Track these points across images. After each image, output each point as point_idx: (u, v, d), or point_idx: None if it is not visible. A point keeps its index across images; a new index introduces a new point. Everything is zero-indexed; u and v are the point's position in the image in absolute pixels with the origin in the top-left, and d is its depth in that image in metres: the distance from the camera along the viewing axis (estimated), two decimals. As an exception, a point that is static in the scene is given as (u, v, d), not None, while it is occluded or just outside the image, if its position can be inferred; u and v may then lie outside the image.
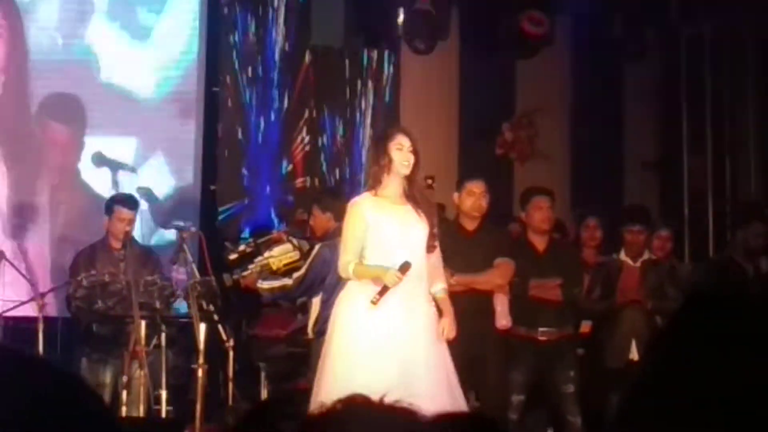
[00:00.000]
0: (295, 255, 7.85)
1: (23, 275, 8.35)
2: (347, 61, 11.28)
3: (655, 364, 1.81)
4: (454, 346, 6.20)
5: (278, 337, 8.67)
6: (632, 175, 12.22)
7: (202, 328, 7.32)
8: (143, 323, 7.43)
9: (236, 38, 10.81)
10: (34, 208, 9.73)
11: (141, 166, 10.05)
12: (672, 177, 11.95)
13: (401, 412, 1.80)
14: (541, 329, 7.58)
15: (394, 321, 6.00)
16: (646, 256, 8.31)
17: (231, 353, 7.97)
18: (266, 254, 7.95)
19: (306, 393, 6.25)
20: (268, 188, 10.90)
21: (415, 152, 6.18)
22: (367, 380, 5.74)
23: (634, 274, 8.22)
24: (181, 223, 8.21)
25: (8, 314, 8.06)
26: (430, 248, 6.22)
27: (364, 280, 6.09)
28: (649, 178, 12.19)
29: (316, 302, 7.47)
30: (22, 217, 9.66)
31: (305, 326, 7.69)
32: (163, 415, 7.46)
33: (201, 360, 7.28)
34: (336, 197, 7.96)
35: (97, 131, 10.00)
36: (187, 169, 10.33)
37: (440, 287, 6.29)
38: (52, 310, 8.15)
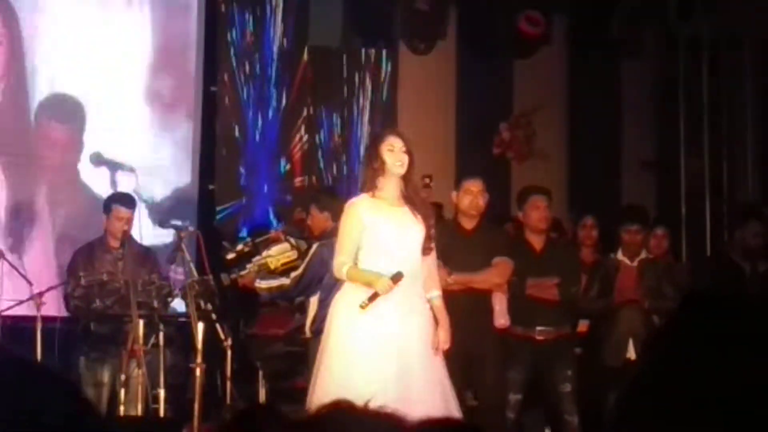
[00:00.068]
0: (293, 254, 7.85)
1: (22, 274, 8.35)
2: (345, 59, 11.29)
3: (652, 363, 1.82)
4: (452, 345, 6.21)
5: (276, 336, 8.68)
6: (630, 174, 12.23)
7: (200, 327, 7.32)
8: (141, 322, 7.43)
9: (234, 36, 10.82)
10: (34, 208, 9.73)
11: (139, 166, 10.05)
12: (669, 177, 11.95)
13: (386, 418, 1.80)
14: (538, 328, 7.59)
15: (390, 320, 6.00)
16: (643, 255, 8.32)
17: (229, 352, 7.98)
18: (264, 254, 7.95)
19: (303, 392, 6.26)
20: (266, 187, 10.90)
21: (408, 152, 6.17)
22: (364, 380, 5.75)
23: (631, 274, 8.23)
24: (179, 223, 8.21)
25: (7, 313, 8.05)
26: (425, 251, 6.21)
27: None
28: (646, 178, 12.20)
29: (313, 301, 7.47)
30: (21, 216, 9.66)
31: (303, 325, 7.68)
32: (161, 414, 7.46)
33: (199, 359, 7.28)
34: (333, 197, 7.96)
35: (96, 131, 10.00)
36: (185, 168, 10.34)
37: (436, 294, 6.27)
38: (50, 309, 8.14)
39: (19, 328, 8.06)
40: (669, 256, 8.78)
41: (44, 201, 9.78)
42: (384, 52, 11.43)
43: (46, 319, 7.83)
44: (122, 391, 7.50)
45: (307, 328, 7.49)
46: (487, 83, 11.71)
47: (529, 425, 8.09)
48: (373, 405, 1.80)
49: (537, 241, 7.74)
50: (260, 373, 8.71)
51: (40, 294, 7.88)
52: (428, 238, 6.21)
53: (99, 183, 9.85)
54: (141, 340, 7.40)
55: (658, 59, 12.09)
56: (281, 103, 10.99)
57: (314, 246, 7.55)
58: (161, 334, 7.56)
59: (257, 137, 10.88)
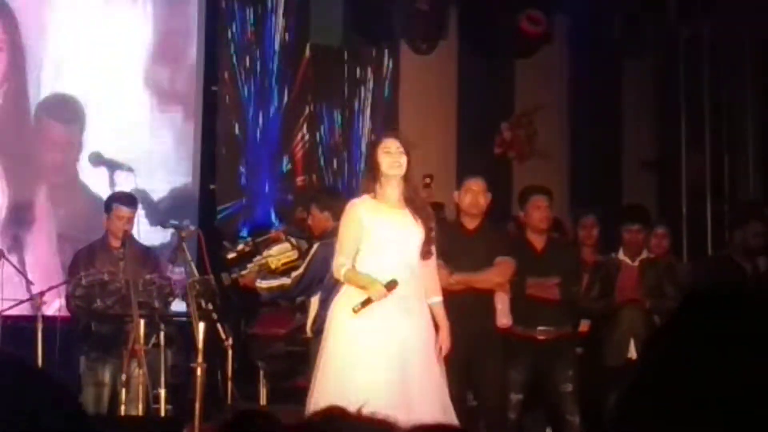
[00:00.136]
0: (294, 254, 7.85)
1: (22, 274, 8.35)
2: (346, 58, 11.29)
3: (653, 363, 1.81)
4: (452, 349, 6.20)
5: (277, 335, 8.68)
6: (631, 174, 12.24)
7: (201, 327, 7.31)
8: (142, 322, 7.43)
9: (234, 33, 10.81)
10: (34, 208, 9.73)
11: (139, 166, 10.05)
12: (670, 176, 11.96)
13: (378, 424, 1.80)
14: (539, 328, 7.58)
15: (390, 321, 5.99)
16: (644, 255, 8.32)
17: (230, 352, 7.98)
18: (265, 253, 7.95)
19: (304, 392, 6.26)
20: (267, 187, 10.90)
21: (406, 153, 6.16)
22: (362, 382, 5.74)
23: (632, 273, 8.22)
24: (180, 222, 8.20)
25: (7, 313, 8.05)
26: (425, 254, 6.18)
27: (357, 283, 6.10)
28: (647, 177, 12.21)
29: (314, 301, 7.47)
30: (21, 216, 9.67)
31: (304, 325, 7.68)
32: (162, 413, 7.46)
33: (200, 359, 7.27)
34: (334, 196, 7.96)
35: (96, 131, 10.00)
36: (186, 167, 10.33)
37: (436, 300, 6.26)
38: (50, 309, 8.14)
39: (19, 328, 8.06)
40: (670, 255, 8.78)
41: (44, 201, 9.78)
42: (386, 51, 11.43)
43: (46, 319, 7.83)
44: (123, 391, 7.50)
45: (308, 328, 7.48)
46: (489, 83, 11.71)
47: (530, 425, 8.08)
48: (366, 411, 1.80)
49: (538, 241, 7.73)
50: (261, 372, 8.72)
51: (41, 294, 7.88)
52: (427, 241, 6.19)
53: (99, 183, 9.86)
54: (142, 340, 7.39)
55: (659, 59, 12.09)
56: (282, 101, 10.98)
57: (315, 246, 7.55)
58: (162, 334, 7.56)
59: (258, 136, 10.87)
